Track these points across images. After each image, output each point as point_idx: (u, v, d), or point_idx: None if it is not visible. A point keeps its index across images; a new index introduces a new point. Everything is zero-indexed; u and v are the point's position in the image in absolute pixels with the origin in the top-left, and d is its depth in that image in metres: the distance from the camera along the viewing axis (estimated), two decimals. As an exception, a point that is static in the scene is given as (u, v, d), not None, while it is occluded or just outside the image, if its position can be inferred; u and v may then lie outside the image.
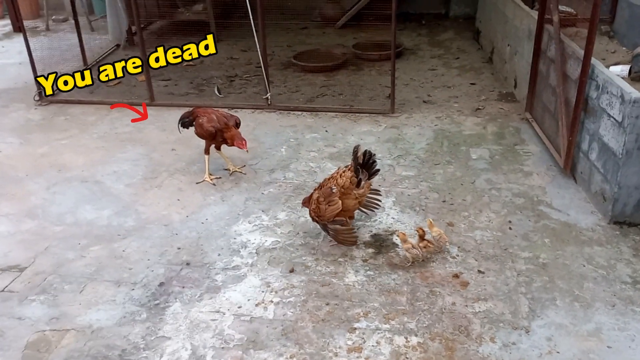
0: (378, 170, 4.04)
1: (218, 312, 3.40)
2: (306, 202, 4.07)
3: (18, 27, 6.38)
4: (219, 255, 3.93)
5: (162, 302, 3.50)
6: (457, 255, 3.80)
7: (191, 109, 5.11)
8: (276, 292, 3.55)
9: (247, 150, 4.72)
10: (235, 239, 4.10)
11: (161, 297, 3.55)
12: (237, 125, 4.84)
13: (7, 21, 10.00)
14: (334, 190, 3.86)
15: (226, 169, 5.00)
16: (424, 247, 3.70)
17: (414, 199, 4.48)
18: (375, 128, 5.80)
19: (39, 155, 5.44)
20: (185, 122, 5.04)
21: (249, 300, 3.49)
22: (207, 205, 4.53)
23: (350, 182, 3.90)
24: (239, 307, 3.43)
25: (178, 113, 6.22)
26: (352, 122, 5.98)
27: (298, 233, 4.13)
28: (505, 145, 5.29)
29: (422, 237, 3.73)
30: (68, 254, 3.98)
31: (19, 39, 8.42)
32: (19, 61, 8.05)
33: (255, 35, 6.08)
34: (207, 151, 4.86)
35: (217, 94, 6.75)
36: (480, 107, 6.17)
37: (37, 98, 6.63)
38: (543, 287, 3.48)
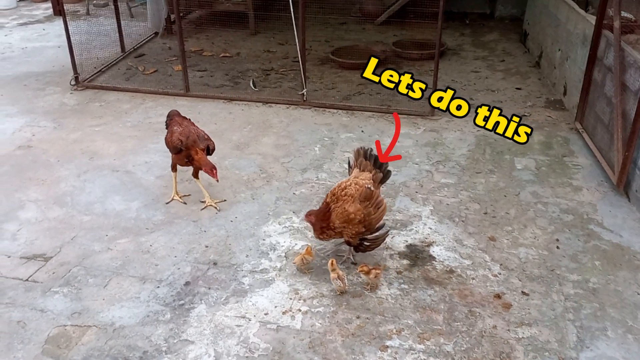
0: (389, 172, 3.78)
1: (244, 317, 3.26)
2: (322, 229, 3.47)
3: (58, 11, 6.32)
4: (247, 256, 3.78)
5: (187, 303, 3.37)
6: (499, 274, 3.56)
7: (171, 111, 4.60)
8: (304, 300, 3.38)
9: (217, 180, 4.18)
10: (264, 240, 3.94)
11: (186, 297, 3.42)
12: (209, 151, 4.23)
13: (50, 4, 10.08)
14: (371, 188, 3.47)
15: (202, 201, 4.37)
16: (375, 277, 3.38)
17: (453, 209, 4.25)
18: (413, 131, 5.57)
19: (71, 140, 5.38)
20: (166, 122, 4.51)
21: (276, 307, 3.33)
22: (237, 202, 4.39)
23: (373, 179, 3.62)
24: (266, 314, 3.27)
25: (212, 105, 6.18)
26: (389, 122, 5.75)
27: (330, 238, 3.94)
28: (553, 156, 5.00)
29: (367, 273, 3.38)
30: (94, 245, 3.89)
31: (59, 22, 8.44)
32: (57, 44, 8.07)
33: (295, 29, 5.90)
34: (173, 168, 4.34)
35: (253, 87, 6.61)
36: (526, 114, 5.87)
37: (73, 82, 6.60)
38: (593, 315, 3.22)
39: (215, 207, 4.31)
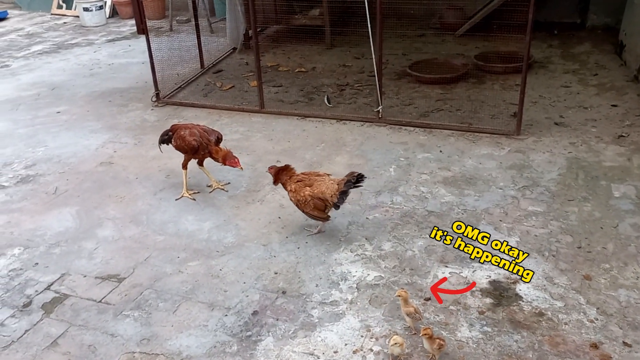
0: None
1: (312, 354, 3.10)
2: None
3: (142, 29, 6.52)
4: (316, 285, 3.63)
5: (254, 334, 3.26)
6: (596, 319, 3.18)
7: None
8: (377, 338, 3.17)
9: (241, 168, 4.52)
10: (334, 269, 3.78)
11: (254, 327, 3.31)
12: (219, 140, 4.65)
13: (136, 21, 10.54)
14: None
15: (209, 185, 4.84)
16: (438, 348, 2.91)
17: (542, 242, 3.89)
18: (497, 151, 5.21)
19: (150, 158, 5.49)
20: (165, 139, 4.83)
21: (346, 344, 3.14)
22: (308, 226, 4.26)
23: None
24: (335, 352, 3.10)
25: (286, 122, 6.12)
26: (470, 142, 5.43)
27: (404, 269, 3.72)
28: (657, 184, 4.49)
29: (431, 338, 2.93)
30: (166, 267, 3.89)
31: (144, 38, 8.76)
32: (141, 61, 8.37)
33: (371, 43, 5.73)
34: (184, 166, 4.72)
35: (327, 103, 6.50)
36: (623, 135, 5.35)
37: (154, 99, 6.78)
38: None
39: (223, 189, 4.77)
